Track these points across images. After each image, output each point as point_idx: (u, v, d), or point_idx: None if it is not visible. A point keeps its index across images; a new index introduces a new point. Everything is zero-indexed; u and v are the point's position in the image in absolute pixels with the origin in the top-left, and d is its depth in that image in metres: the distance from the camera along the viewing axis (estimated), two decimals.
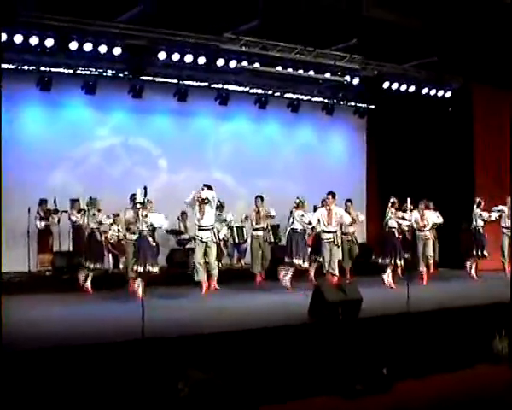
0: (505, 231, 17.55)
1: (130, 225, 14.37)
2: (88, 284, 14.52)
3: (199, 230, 14.11)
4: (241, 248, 17.59)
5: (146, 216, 13.24)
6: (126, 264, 14.98)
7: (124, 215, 14.91)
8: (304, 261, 15.13)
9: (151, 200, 13.47)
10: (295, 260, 14.99)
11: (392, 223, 15.72)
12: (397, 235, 15.77)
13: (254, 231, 16.51)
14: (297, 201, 15.35)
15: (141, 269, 13.14)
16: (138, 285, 13.19)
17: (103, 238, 15.13)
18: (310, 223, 15.23)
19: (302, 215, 15.14)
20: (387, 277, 15.68)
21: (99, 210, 14.76)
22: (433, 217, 16.90)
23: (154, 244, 13.61)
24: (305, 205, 15.43)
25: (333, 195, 15.65)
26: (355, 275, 16.93)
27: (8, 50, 15.35)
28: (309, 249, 15.70)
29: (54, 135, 17.74)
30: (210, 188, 14.25)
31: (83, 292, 14.40)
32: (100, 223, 14.67)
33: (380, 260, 15.89)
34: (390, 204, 15.78)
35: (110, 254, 16.30)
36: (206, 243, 13.98)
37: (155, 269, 13.38)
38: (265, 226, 16.55)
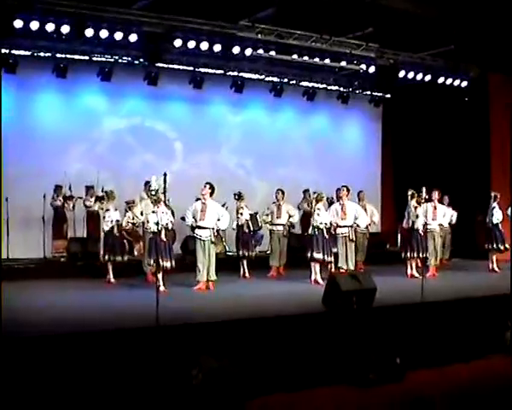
0: None
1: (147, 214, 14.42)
2: (111, 275, 14.54)
3: (198, 228, 13.82)
4: (256, 236, 17.53)
5: (154, 212, 13.15)
6: (141, 252, 15.04)
7: (139, 203, 14.92)
8: (328, 256, 14.81)
9: (167, 192, 13.36)
10: (318, 256, 14.69)
11: (414, 217, 15.54)
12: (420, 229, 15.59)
13: (274, 226, 16.47)
14: (315, 195, 15.12)
15: (153, 262, 13.16)
16: (159, 277, 13.12)
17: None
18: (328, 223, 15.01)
19: (318, 214, 14.85)
20: (410, 269, 15.61)
21: (113, 198, 14.73)
22: (445, 213, 16.78)
23: (165, 239, 13.44)
24: (323, 198, 15.14)
25: (347, 188, 15.52)
26: (369, 264, 16.89)
27: (24, 37, 15.46)
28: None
29: (69, 121, 17.79)
30: (212, 188, 14.00)
31: (109, 285, 14.38)
32: (117, 221, 14.61)
33: (405, 255, 15.73)
34: (409, 197, 15.59)
35: (125, 241, 16.26)
36: (205, 241, 13.80)
37: (168, 264, 13.28)
38: (285, 222, 16.52)
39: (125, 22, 15.73)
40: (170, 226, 13.55)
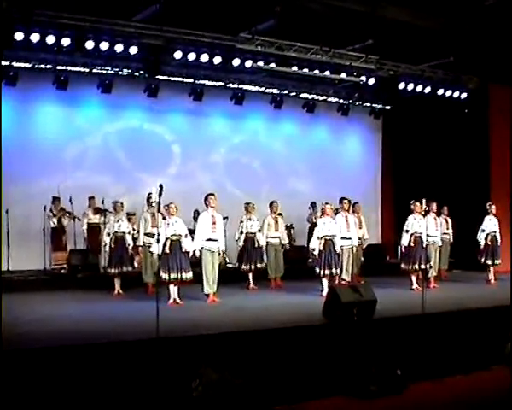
0: None
1: (148, 227, 14.39)
2: (117, 287, 14.50)
3: (207, 240, 13.53)
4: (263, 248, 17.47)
5: (170, 224, 13.08)
6: (142, 265, 15.02)
7: (141, 216, 14.88)
8: (336, 269, 14.62)
9: (174, 204, 13.32)
10: (327, 271, 14.58)
11: (417, 229, 15.45)
12: (423, 242, 15.46)
13: (272, 238, 16.42)
14: (322, 207, 15.02)
15: (174, 276, 12.98)
16: (174, 291, 13.09)
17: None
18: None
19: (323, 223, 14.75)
20: (416, 282, 15.46)
21: (119, 210, 14.63)
22: (442, 224, 16.79)
23: (184, 251, 13.31)
24: (330, 210, 15.03)
25: (349, 201, 15.52)
26: (369, 276, 16.84)
27: (24, 49, 15.49)
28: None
29: (70, 133, 17.82)
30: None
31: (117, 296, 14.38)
32: (123, 232, 14.51)
33: (406, 267, 15.56)
34: (412, 208, 15.52)
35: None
36: (214, 253, 13.62)
37: (189, 275, 13.20)
38: (280, 234, 16.50)
39: (125, 34, 15.76)
40: (188, 235, 13.41)
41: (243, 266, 15.87)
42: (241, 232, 15.95)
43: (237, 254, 16.33)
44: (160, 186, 10.49)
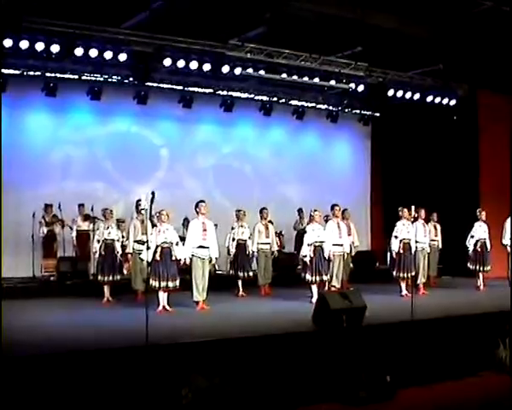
0: None
1: (138, 234, 14.34)
2: (107, 294, 14.44)
3: (198, 248, 13.44)
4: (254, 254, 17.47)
5: (161, 231, 13.09)
6: (130, 271, 14.96)
7: (130, 223, 14.82)
8: (326, 275, 14.61)
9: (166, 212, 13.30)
10: (316, 278, 14.58)
11: (405, 235, 15.46)
12: (411, 248, 15.47)
13: (262, 244, 16.38)
14: (310, 213, 15.04)
15: (164, 284, 12.95)
16: (163, 298, 13.08)
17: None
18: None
19: (318, 235, 14.70)
20: (405, 289, 15.44)
21: (109, 218, 14.58)
22: (430, 232, 16.87)
23: (174, 258, 13.29)
24: (319, 217, 15.03)
25: (339, 207, 15.54)
26: (359, 283, 16.84)
27: (13, 56, 15.44)
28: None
29: (59, 140, 17.80)
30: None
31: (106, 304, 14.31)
32: (112, 239, 14.45)
33: (397, 274, 15.53)
34: (400, 215, 15.56)
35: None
36: (204, 260, 13.57)
37: (175, 284, 13.13)
38: (271, 241, 16.49)
39: (114, 41, 15.75)
40: (179, 242, 13.39)
41: (238, 273, 15.86)
42: (233, 239, 15.96)
43: (230, 261, 16.30)
44: (152, 194, 10.45)
